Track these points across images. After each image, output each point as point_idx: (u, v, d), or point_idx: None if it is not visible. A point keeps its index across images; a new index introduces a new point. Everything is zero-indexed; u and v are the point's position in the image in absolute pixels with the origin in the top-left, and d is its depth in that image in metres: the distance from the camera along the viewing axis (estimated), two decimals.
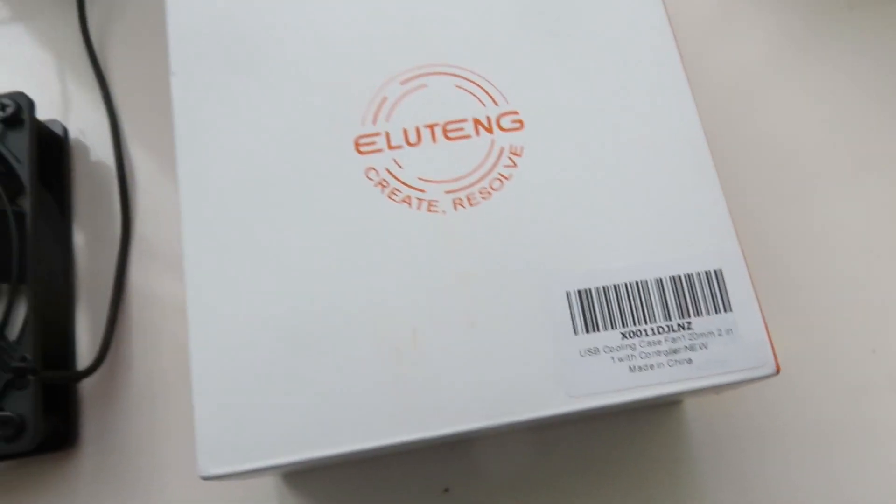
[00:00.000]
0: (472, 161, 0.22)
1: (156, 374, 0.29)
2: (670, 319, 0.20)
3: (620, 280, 0.21)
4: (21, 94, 0.30)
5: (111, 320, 0.29)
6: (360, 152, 0.22)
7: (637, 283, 0.21)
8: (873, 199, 0.30)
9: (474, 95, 0.23)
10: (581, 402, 0.19)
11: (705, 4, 0.34)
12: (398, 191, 0.22)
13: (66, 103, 0.33)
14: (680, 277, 0.21)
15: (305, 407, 0.20)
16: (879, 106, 0.32)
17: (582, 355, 0.20)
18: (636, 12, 0.24)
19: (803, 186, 0.31)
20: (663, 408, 0.28)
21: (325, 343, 0.20)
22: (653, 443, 0.27)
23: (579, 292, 0.20)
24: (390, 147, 0.22)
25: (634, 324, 0.20)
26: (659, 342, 0.20)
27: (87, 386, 0.29)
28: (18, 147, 0.29)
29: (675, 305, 0.20)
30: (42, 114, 0.31)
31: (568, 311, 0.20)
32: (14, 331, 0.27)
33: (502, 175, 0.22)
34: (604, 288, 0.21)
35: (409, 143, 0.22)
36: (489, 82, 0.23)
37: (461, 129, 0.22)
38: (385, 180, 0.22)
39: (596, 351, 0.20)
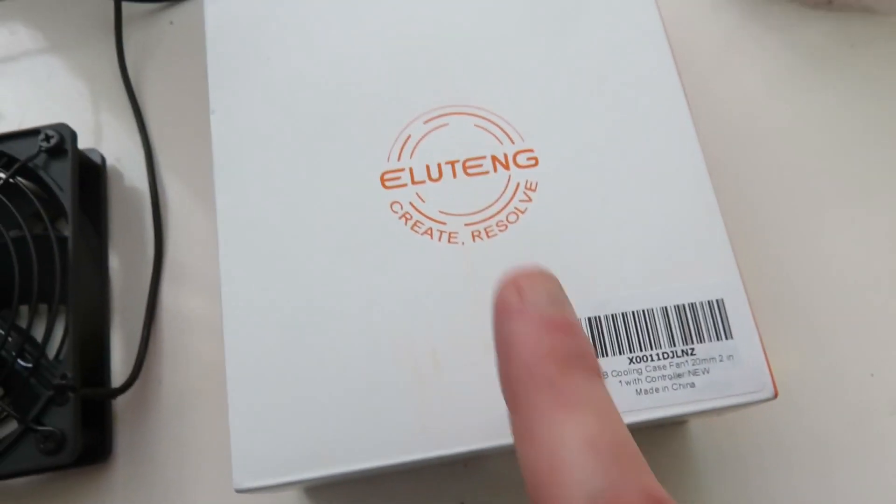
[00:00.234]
0: (490, 196, 0.23)
1: (185, 391, 0.30)
2: (675, 345, 0.21)
3: (628, 308, 0.22)
4: (64, 126, 0.31)
5: (144, 339, 0.30)
6: (385, 187, 0.23)
7: (644, 312, 0.22)
8: (873, 227, 0.31)
9: (492, 134, 0.24)
10: None
11: (710, 40, 0.35)
12: (420, 223, 0.23)
13: (103, 132, 0.34)
14: (684, 306, 0.22)
15: (333, 425, 0.21)
16: (880, 138, 0.33)
17: None
18: (644, 55, 0.25)
19: (805, 214, 0.31)
20: (669, 427, 0.29)
21: (352, 365, 0.21)
22: (659, 461, 0.28)
23: (589, 319, 0.22)
24: (413, 182, 0.23)
25: (641, 349, 0.21)
26: (664, 367, 0.21)
27: (119, 401, 0.30)
28: (61, 175, 0.30)
29: (679, 332, 0.21)
30: (81, 142, 0.32)
31: None
32: (53, 348, 0.28)
33: (518, 209, 0.23)
34: (612, 315, 0.22)
35: (431, 179, 0.23)
36: (507, 122, 0.24)
37: (480, 165, 0.24)
38: (408, 213, 0.23)
39: (605, 375, 0.21)
